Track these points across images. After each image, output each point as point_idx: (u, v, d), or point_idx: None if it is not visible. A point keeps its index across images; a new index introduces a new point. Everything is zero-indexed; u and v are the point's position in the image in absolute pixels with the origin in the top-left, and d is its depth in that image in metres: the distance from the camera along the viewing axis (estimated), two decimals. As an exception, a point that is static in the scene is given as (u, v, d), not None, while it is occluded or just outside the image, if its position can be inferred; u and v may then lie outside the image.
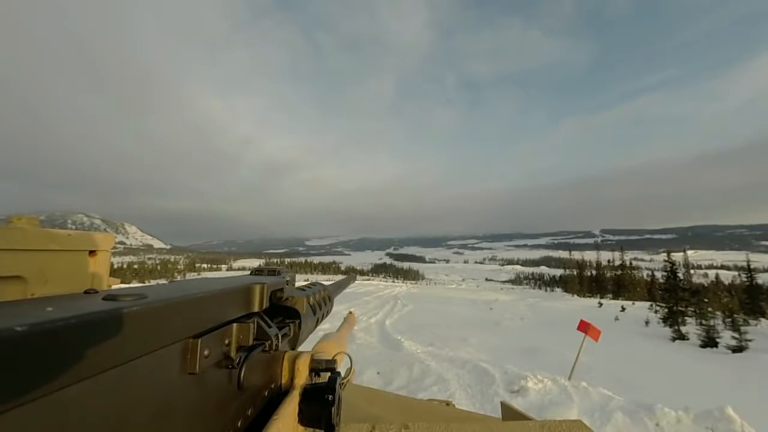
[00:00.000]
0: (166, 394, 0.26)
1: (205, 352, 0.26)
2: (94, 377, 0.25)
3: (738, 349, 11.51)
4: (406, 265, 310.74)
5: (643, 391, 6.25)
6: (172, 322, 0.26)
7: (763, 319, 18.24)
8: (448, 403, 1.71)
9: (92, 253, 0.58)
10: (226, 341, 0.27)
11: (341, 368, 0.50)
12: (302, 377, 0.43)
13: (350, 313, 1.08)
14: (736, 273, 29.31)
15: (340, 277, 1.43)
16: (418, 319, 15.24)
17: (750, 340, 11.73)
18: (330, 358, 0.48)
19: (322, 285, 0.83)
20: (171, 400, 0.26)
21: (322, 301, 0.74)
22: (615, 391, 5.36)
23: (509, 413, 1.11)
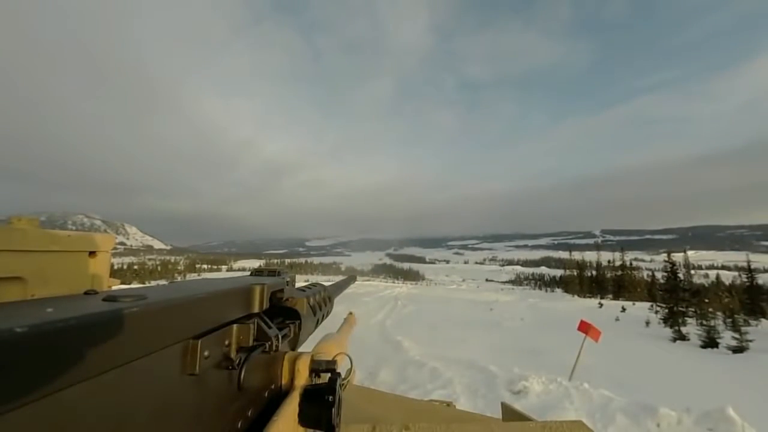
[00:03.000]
0: (166, 395, 0.26)
1: (205, 353, 0.26)
2: (95, 378, 0.25)
3: (738, 350, 11.48)
4: (406, 265, 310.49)
5: (643, 391, 6.24)
6: (172, 323, 0.26)
7: (763, 320, 18.18)
8: (448, 404, 1.72)
9: (92, 254, 0.58)
10: (226, 342, 0.27)
11: (341, 369, 0.50)
12: (302, 378, 0.43)
13: (350, 314, 1.08)
14: (736, 273, 29.20)
15: (340, 277, 1.42)
16: (418, 319, 15.24)
17: (751, 341, 11.71)
18: (330, 358, 0.49)
19: (323, 286, 0.83)
20: (171, 401, 0.26)
21: (322, 302, 0.73)
22: (616, 391, 5.35)
23: (510, 414, 1.11)
